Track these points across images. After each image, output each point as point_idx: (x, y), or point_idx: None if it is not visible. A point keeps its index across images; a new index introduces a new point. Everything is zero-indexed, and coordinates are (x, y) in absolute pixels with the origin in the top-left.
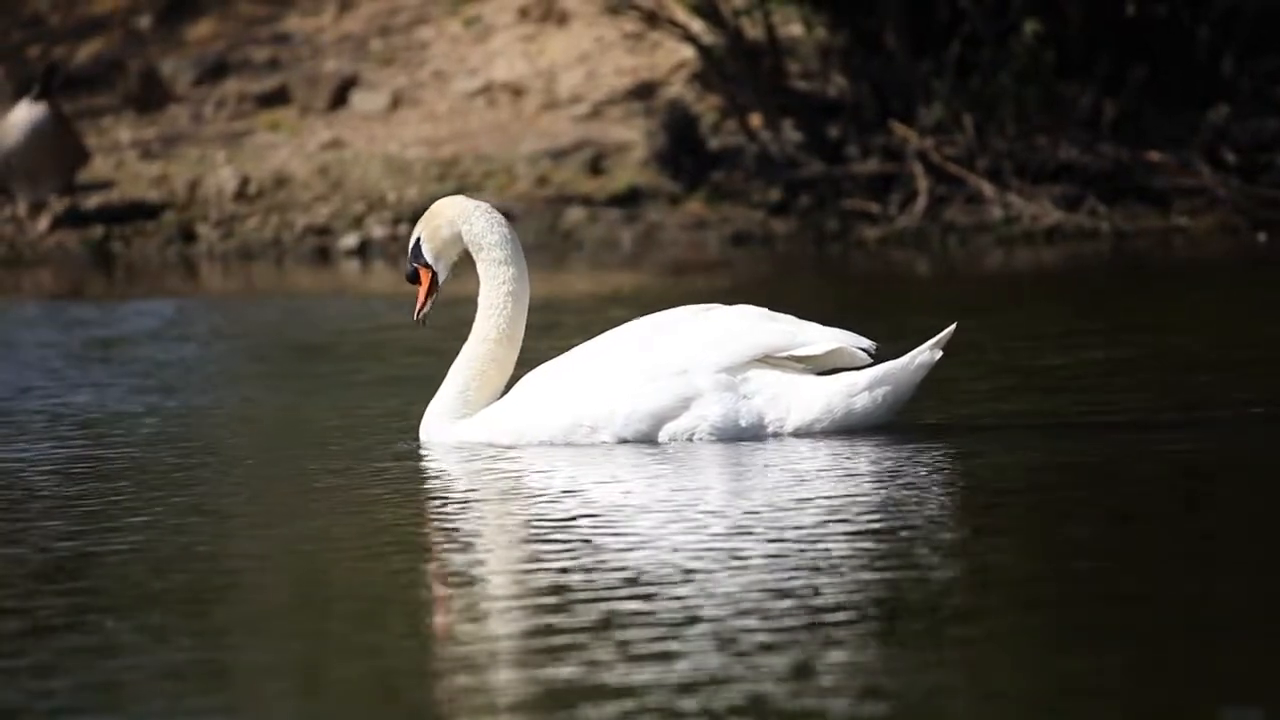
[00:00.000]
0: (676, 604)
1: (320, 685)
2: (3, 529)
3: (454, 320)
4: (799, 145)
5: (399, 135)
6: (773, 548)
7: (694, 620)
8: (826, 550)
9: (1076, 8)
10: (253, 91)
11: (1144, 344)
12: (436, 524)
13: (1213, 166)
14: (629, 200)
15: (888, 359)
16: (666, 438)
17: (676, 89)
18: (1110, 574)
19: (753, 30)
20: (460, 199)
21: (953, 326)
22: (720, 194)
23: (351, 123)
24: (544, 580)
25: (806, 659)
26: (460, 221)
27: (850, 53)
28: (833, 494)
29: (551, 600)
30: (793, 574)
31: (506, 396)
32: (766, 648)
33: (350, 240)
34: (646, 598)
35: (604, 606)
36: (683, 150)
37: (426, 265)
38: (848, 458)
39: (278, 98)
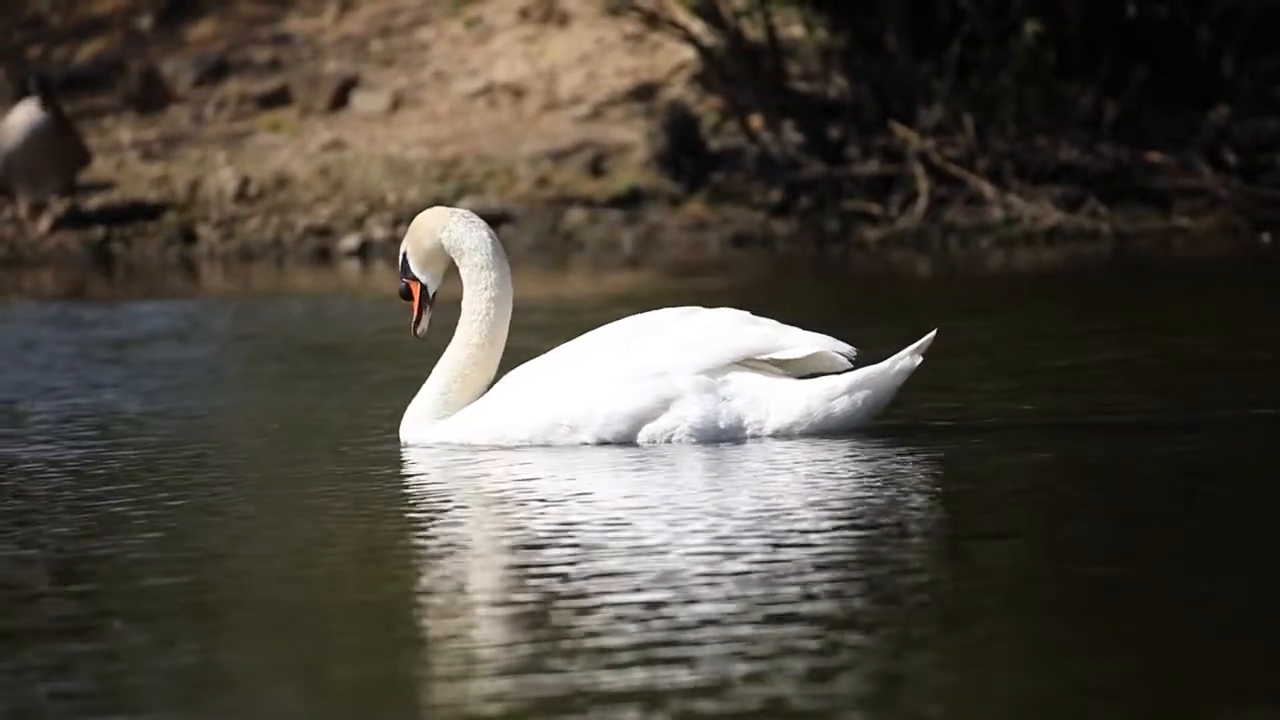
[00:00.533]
0: (673, 605)
1: (321, 688)
2: (4, 529)
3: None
4: (800, 146)
5: (400, 136)
6: (767, 550)
7: (688, 622)
8: (825, 549)
9: (1077, 8)
10: (253, 92)
11: (1147, 345)
12: (418, 527)
13: (1213, 167)
14: (630, 201)
15: (868, 364)
16: (646, 439)
17: (677, 90)
18: (1111, 574)
19: (753, 31)
20: (440, 209)
21: (933, 333)
22: (721, 195)
23: (352, 124)
24: (533, 583)
25: (806, 662)
26: (439, 230)
27: (851, 54)
28: (831, 494)
29: (542, 602)
30: (787, 576)
31: (485, 396)
32: (764, 646)
33: (351, 241)
34: (641, 602)
35: (597, 607)
36: (683, 151)
37: (415, 279)
38: (847, 459)
39: (278, 98)
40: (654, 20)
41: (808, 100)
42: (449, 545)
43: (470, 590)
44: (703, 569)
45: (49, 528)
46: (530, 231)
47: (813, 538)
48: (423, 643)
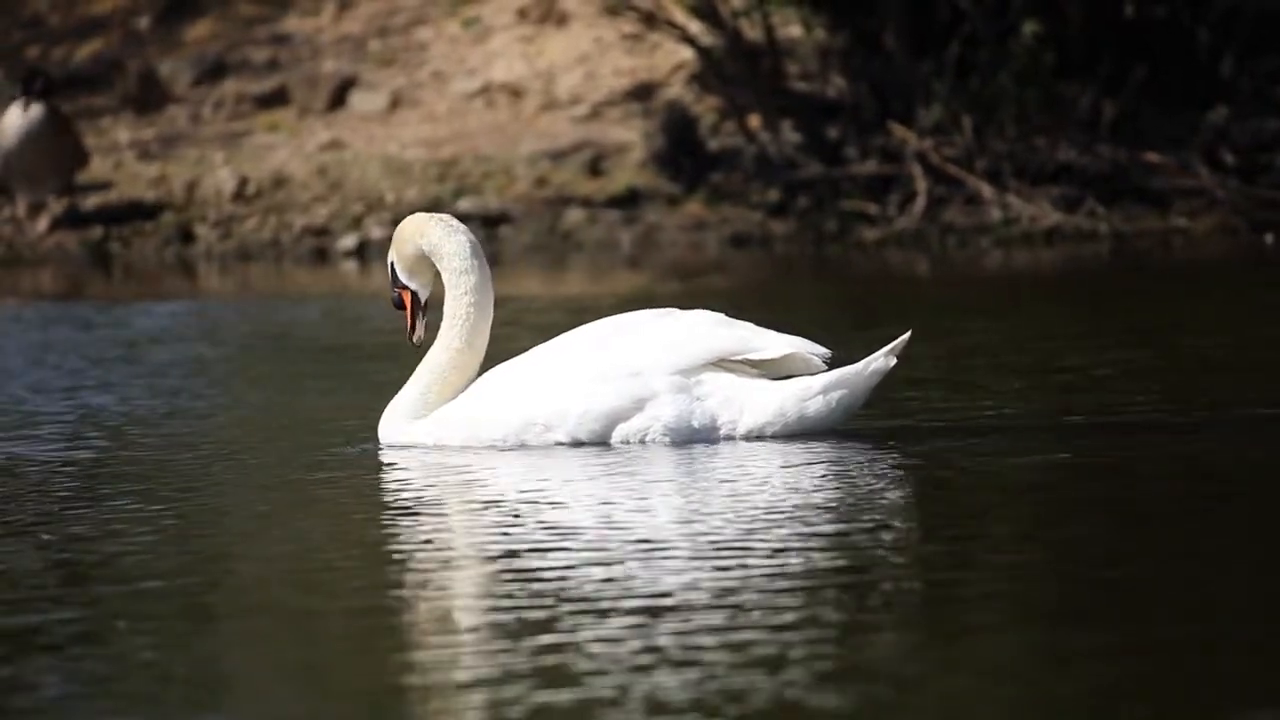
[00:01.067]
0: (665, 608)
1: (319, 689)
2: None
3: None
4: (798, 146)
5: (398, 136)
6: (764, 554)
7: (679, 628)
8: (822, 549)
9: (1076, 9)
10: (251, 92)
11: (1149, 346)
12: (398, 529)
13: (1212, 167)
14: (628, 201)
15: (843, 364)
16: (620, 439)
17: (675, 90)
18: (1112, 575)
19: (752, 31)
20: (420, 215)
21: (907, 334)
22: (719, 195)
23: (350, 123)
24: (517, 586)
25: (802, 664)
26: (419, 236)
27: (849, 54)
28: (830, 494)
29: (521, 604)
30: (777, 581)
31: (460, 396)
32: (762, 650)
33: (349, 241)
34: (631, 607)
35: (589, 611)
36: (682, 151)
37: (405, 287)
38: (837, 459)
39: (276, 98)
40: (652, 20)
41: (806, 100)
42: (420, 548)
43: (444, 594)
44: (697, 571)
45: (57, 527)
46: (528, 231)
47: (802, 537)
48: (410, 647)
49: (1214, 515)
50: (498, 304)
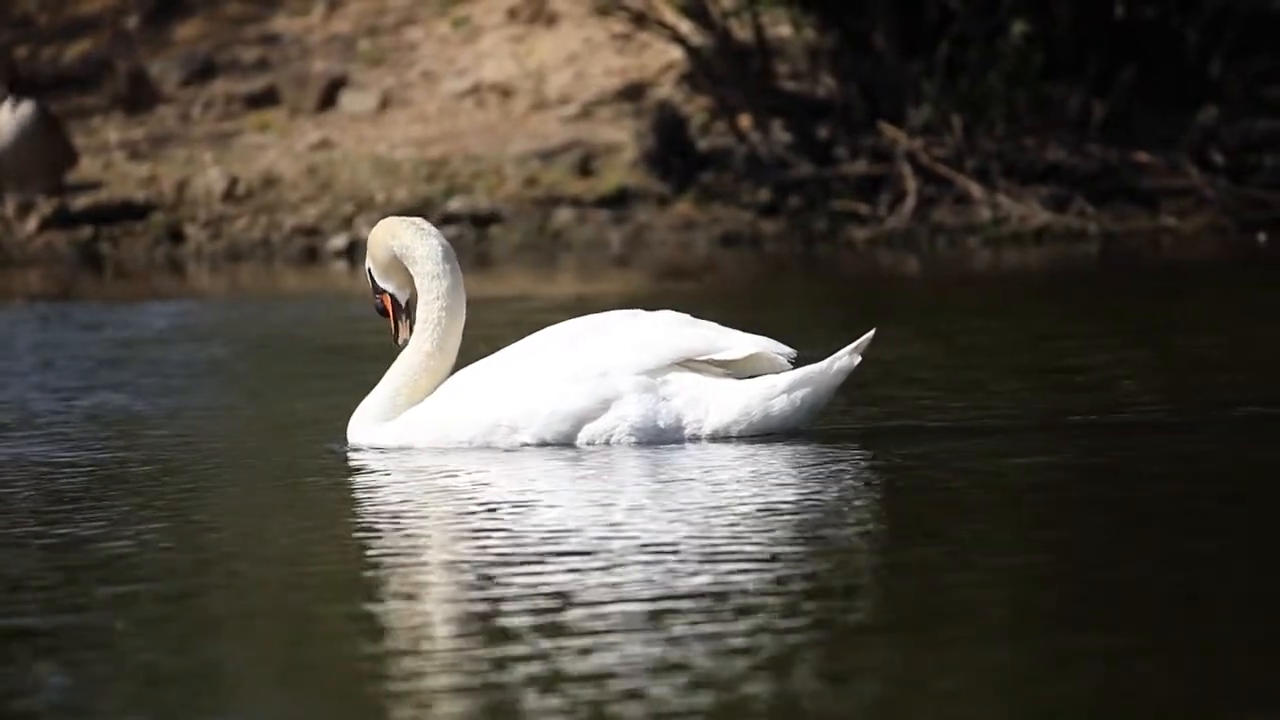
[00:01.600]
0: (653, 613)
1: (302, 688)
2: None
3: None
4: (788, 146)
5: (388, 136)
6: (756, 557)
7: (682, 628)
8: (816, 549)
9: (1065, 9)
10: (241, 92)
11: (1142, 345)
12: (389, 530)
13: (1201, 167)
14: (618, 201)
15: (809, 363)
16: (586, 439)
17: (665, 90)
18: (1111, 574)
19: (741, 31)
20: (392, 219)
21: (871, 332)
22: (709, 195)
23: (340, 123)
24: (486, 586)
25: (793, 665)
26: (391, 239)
27: (839, 54)
28: (828, 494)
29: (498, 606)
30: (768, 577)
31: (428, 399)
32: (758, 655)
33: (339, 241)
34: (624, 610)
35: (574, 613)
36: (672, 151)
37: (385, 291)
38: (830, 459)
39: (266, 98)
40: (642, 20)
41: (796, 100)
42: (414, 549)
43: (439, 595)
44: (708, 573)
45: (64, 527)
46: (518, 231)
47: (786, 543)
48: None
49: (1213, 515)
50: (491, 304)
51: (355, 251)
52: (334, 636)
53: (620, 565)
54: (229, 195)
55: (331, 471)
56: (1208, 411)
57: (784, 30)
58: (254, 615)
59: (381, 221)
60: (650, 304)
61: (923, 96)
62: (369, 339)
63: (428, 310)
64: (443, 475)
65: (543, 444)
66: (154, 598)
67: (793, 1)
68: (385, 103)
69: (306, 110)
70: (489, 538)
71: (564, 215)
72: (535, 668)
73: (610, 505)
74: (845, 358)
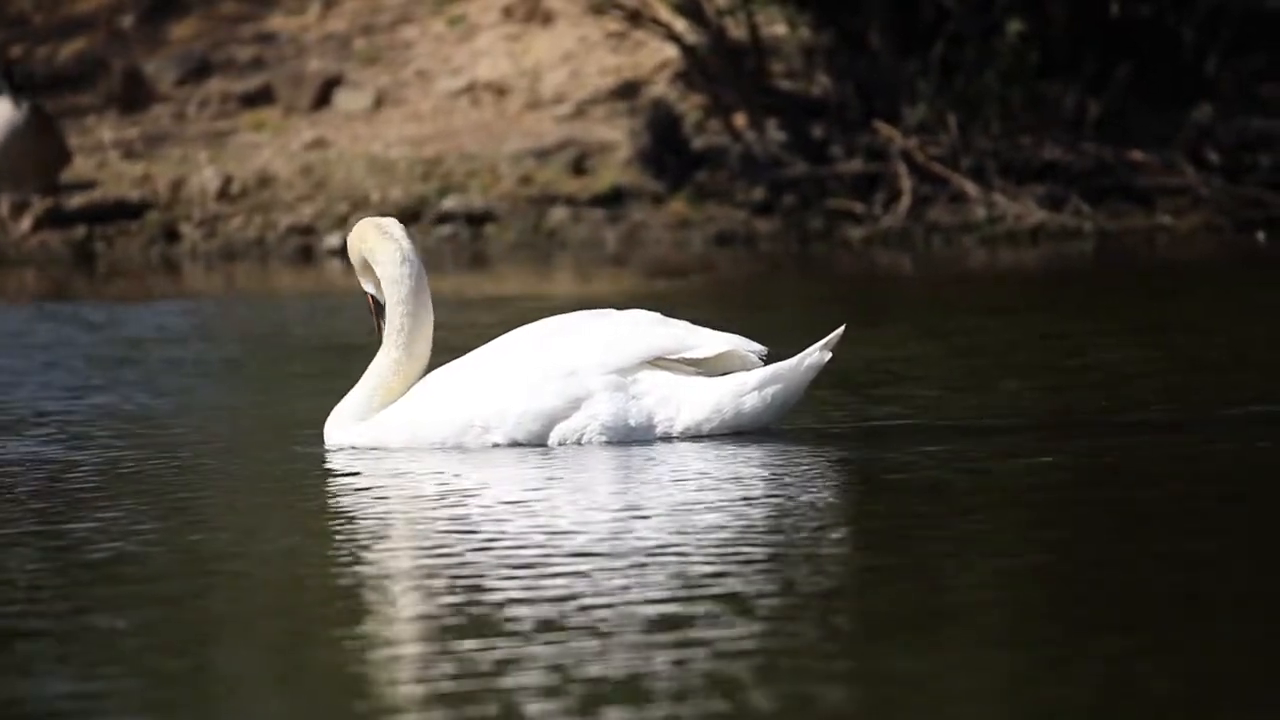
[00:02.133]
0: (637, 616)
1: (300, 687)
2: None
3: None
4: (783, 145)
5: (383, 135)
6: (750, 557)
7: (645, 624)
8: (815, 549)
9: (1061, 7)
10: (236, 91)
11: (1140, 344)
12: (383, 530)
13: (1196, 166)
14: (613, 200)
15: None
16: (557, 439)
17: (660, 89)
18: (1113, 574)
19: (736, 30)
20: (365, 221)
21: (841, 328)
22: (704, 194)
23: (335, 122)
24: (462, 586)
25: (781, 666)
26: (360, 242)
27: (834, 52)
28: (825, 493)
29: (474, 607)
30: (766, 578)
31: (401, 400)
32: (743, 646)
33: (334, 240)
34: (591, 608)
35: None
36: (666, 150)
37: (368, 292)
38: (829, 459)
39: (261, 97)
40: (637, 18)
41: (791, 99)
42: (407, 551)
43: (433, 596)
44: (694, 577)
45: (62, 527)
46: (513, 230)
47: (786, 536)
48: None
49: (1214, 515)
50: (487, 304)
51: (348, 250)
52: (333, 635)
53: (620, 567)
54: (224, 194)
55: (332, 471)
56: (1208, 411)
57: (779, 29)
58: (252, 615)
59: (360, 223)
60: (647, 303)
61: (918, 95)
62: (369, 338)
63: (391, 314)
64: (437, 475)
65: (514, 444)
66: (155, 598)
67: (787, 0)
68: (380, 101)
69: (301, 109)
70: (487, 538)
71: (559, 214)
72: (531, 668)
73: (610, 506)
74: (815, 354)
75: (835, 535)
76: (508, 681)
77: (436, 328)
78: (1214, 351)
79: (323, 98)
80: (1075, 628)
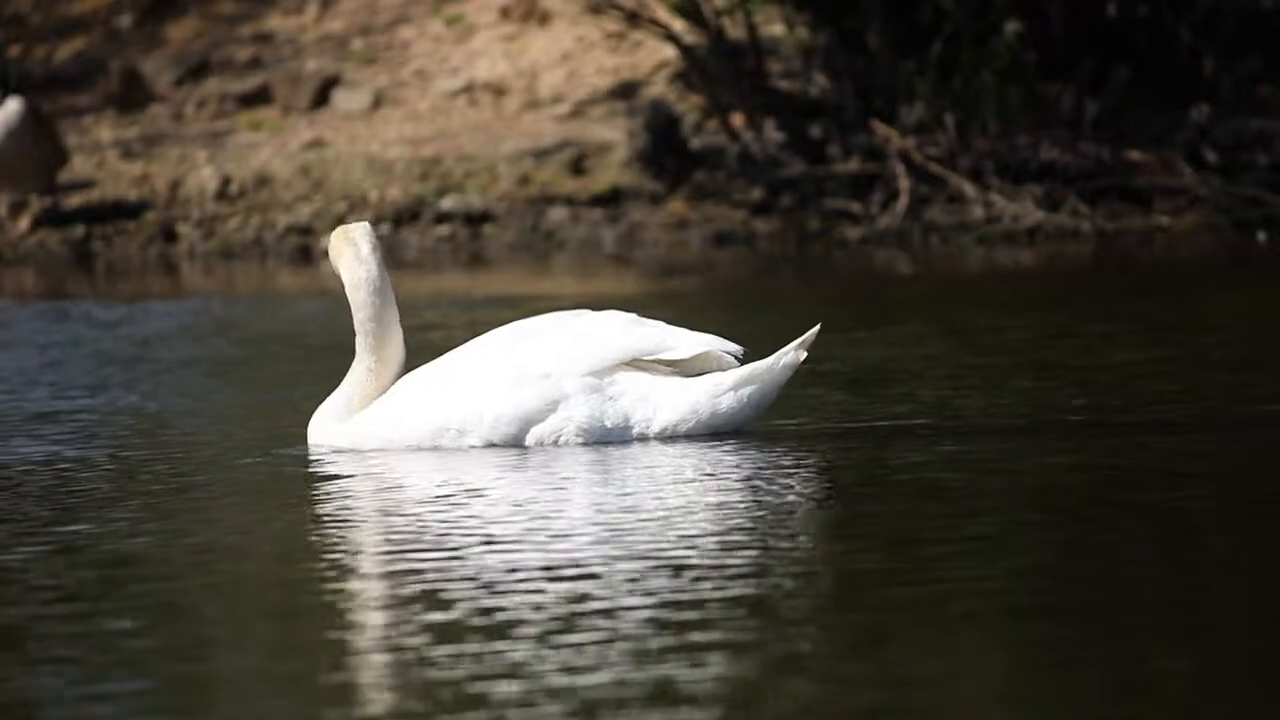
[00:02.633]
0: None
1: (293, 692)
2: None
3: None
4: (781, 145)
5: (381, 135)
6: (745, 557)
7: (624, 626)
8: (812, 550)
9: (1058, 8)
10: (234, 91)
11: (1146, 344)
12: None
13: (1194, 166)
14: (611, 200)
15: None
16: (533, 441)
17: (658, 89)
18: (1114, 574)
19: (734, 30)
20: (341, 227)
21: (816, 328)
22: (702, 194)
23: (333, 122)
24: (439, 590)
25: (781, 667)
26: (330, 249)
27: (832, 52)
28: (824, 494)
29: (453, 610)
30: (774, 577)
31: (377, 401)
32: (729, 648)
33: None
34: (592, 610)
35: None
36: (665, 150)
37: None
38: (827, 459)
39: (259, 97)
40: (635, 19)
41: (789, 99)
42: (403, 551)
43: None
44: (692, 576)
45: (75, 527)
46: (511, 230)
47: (784, 538)
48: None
49: (1224, 515)
50: (486, 303)
51: None
52: (328, 637)
53: (620, 568)
54: (222, 194)
55: (328, 473)
56: (1218, 410)
57: (777, 29)
58: (251, 616)
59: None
60: (645, 302)
61: (915, 95)
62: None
63: (357, 323)
64: (434, 476)
65: (490, 446)
66: (158, 597)
67: (785, 1)
68: (378, 102)
69: (299, 109)
70: (487, 540)
71: (557, 214)
72: (530, 668)
73: (617, 507)
74: (790, 354)
75: (837, 536)
76: (504, 681)
77: (436, 327)
78: (1220, 351)
79: (321, 98)
80: (1078, 628)
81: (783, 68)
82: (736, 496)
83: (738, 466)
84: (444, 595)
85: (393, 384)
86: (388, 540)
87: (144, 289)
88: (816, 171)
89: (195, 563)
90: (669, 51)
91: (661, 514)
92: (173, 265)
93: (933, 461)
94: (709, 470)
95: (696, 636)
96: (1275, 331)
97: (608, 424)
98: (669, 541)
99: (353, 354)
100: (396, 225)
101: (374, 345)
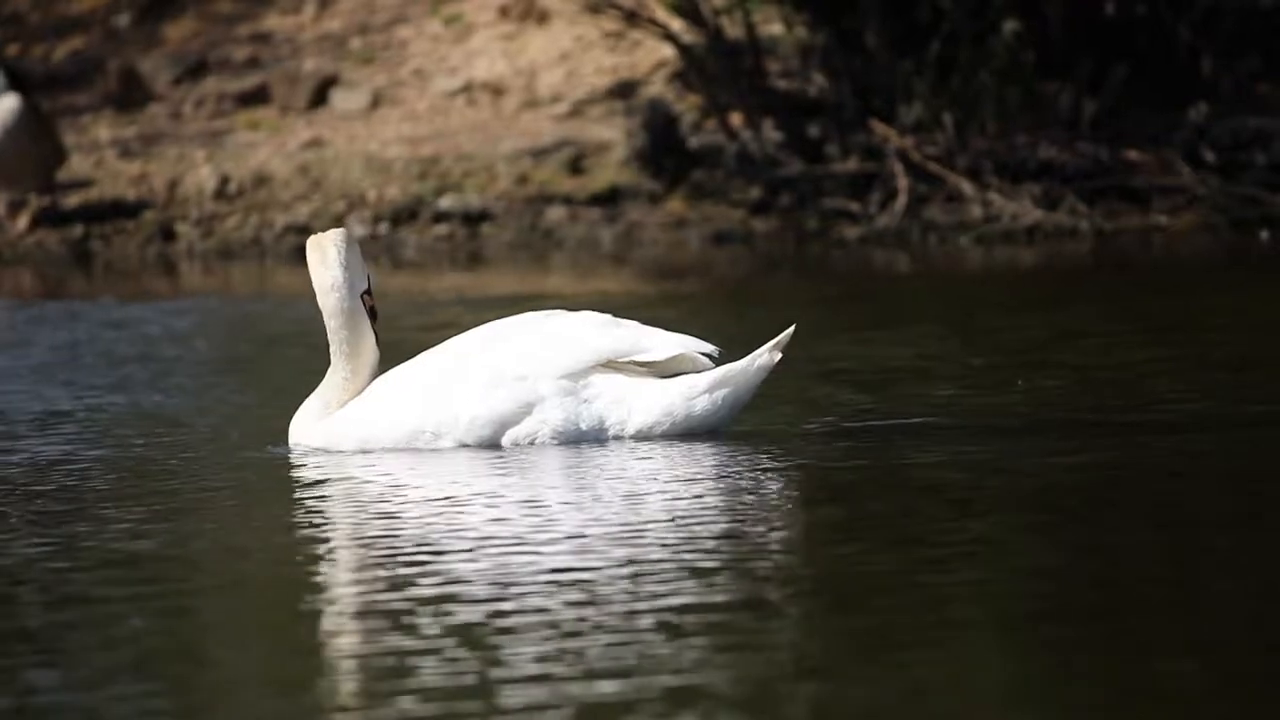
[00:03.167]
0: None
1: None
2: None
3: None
4: (779, 144)
5: (379, 134)
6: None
7: (674, 636)
8: (800, 551)
9: (1056, 7)
10: (232, 90)
11: (1151, 343)
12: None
13: (1192, 165)
14: (609, 199)
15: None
16: (509, 443)
17: (657, 88)
18: (1117, 574)
19: (733, 29)
20: (313, 236)
21: (791, 328)
22: (701, 193)
23: (331, 122)
24: (419, 593)
25: (784, 668)
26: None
27: (830, 52)
28: (824, 494)
29: (433, 614)
30: (783, 577)
31: (353, 402)
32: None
33: None
34: (595, 612)
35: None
36: (663, 149)
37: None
38: (829, 458)
39: (257, 97)
40: (633, 18)
41: (787, 98)
42: (398, 550)
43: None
44: (695, 577)
45: (78, 527)
46: (510, 229)
47: (782, 541)
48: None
49: (1231, 514)
50: (485, 302)
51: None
52: (328, 637)
53: (621, 571)
54: (220, 193)
55: (337, 474)
56: (1223, 409)
57: (775, 28)
58: (252, 616)
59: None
60: (644, 302)
61: (914, 94)
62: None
63: (329, 331)
64: (437, 476)
65: (464, 448)
66: (159, 597)
67: (783, 0)
68: (376, 101)
69: (298, 108)
70: (490, 542)
71: (555, 213)
72: (527, 669)
73: (613, 507)
74: (765, 355)
75: (837, 536)
76: (507, 684)
77: (436, 327)
78: (1220, 351)
79: (319, 97)
80: (1080, 629)
81: (781, 67)
82: (735, 497)
83: (738, 467)
84: (450, 598)
85: (368, 385)
86: (389, 541)
87: (142, 288)
88: (815, 171)
89: (195, 563)
90: (667, 51)
91: (660, 515)
92: (171, 265)
93: (933, 461)
94: (707, 471)
95: (697, 638)
96: (1275, 331)
97: (582, 426)
98: (667, 543)
99: None
100: (395, 224)
101: (347, 352)
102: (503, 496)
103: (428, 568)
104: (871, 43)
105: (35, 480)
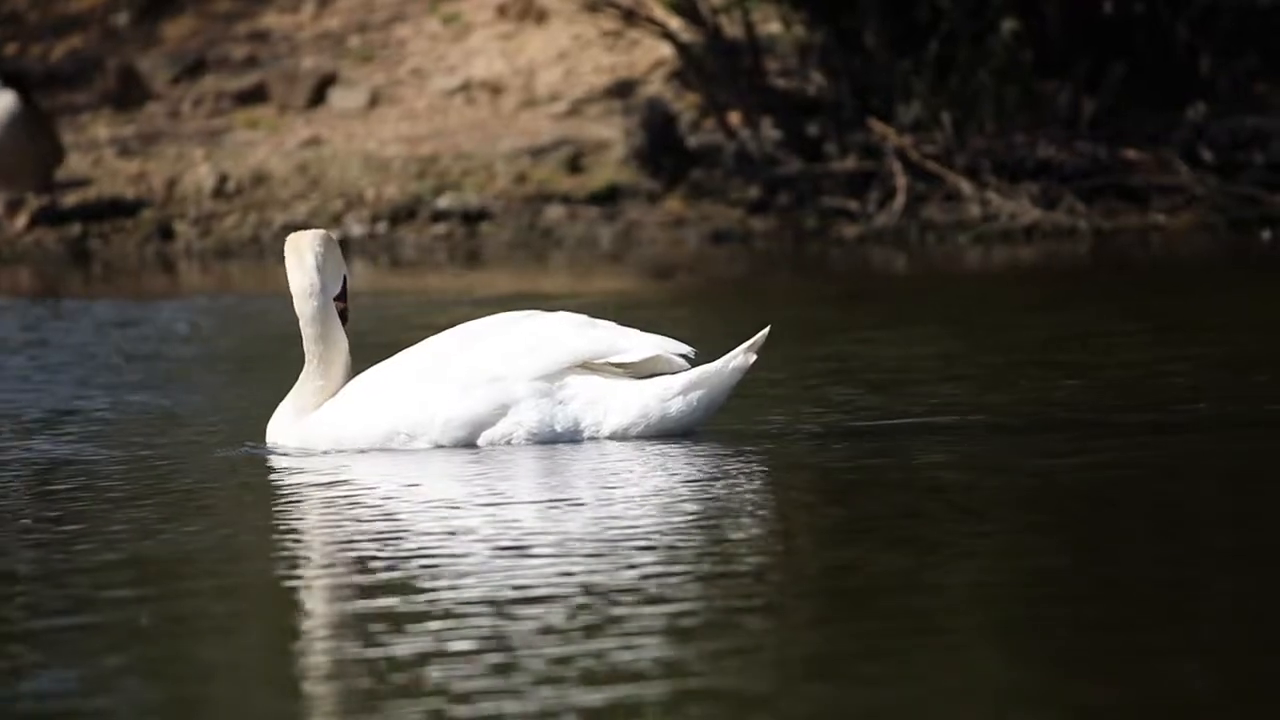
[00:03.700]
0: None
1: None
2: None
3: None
4: (778, 143)
5: (377, 133)
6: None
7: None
8: (800, 551)
9: (1055, 6)
10: (231, 89)
11: (1153, 343)
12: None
13: (1191, 164)
14: (608, 198)
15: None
16: (484, 444)
17: (655, 87)
18: (1120, 574)
19: (731, 28)
20: (291, 235)
21: (766, 329)
22: (699, 192)
23: (330, 120)
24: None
25: (786, 667)
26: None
27: (829, 51)
28: (824, 494)
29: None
30: (788, 577)
31: (329, 403)
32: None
33: None
34: (613, 614)
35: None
36: (661, 148)
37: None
38: (830, 458)
39: (256, 95)
40: (632, 17)
41: (786, 97)
42: (396, 550)
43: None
44: (700, 577)
45: (67, 527)
46: (508, 228)
47: (783, 541)
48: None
49: (1234, 514)
50: (484, 303)
51: (345, 248)
52: (328, 638)
53: (620, 571)
54: (219, 192)
55: (338, 475)
56: (1227, 409)
57: (774, 27)
58: (253, 616)
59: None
60: (643, 302)
61: (913, 93)
62: (369, 338)
63: (303, 334)
64: (441, 477)
65: (439, 449)
66: (160, 599)
67: None
68: (375, 100)
69: (296, 107)
70: (493, 544)
71: (554, 212)
72: (525, 669)
73: (609, 507)
74: (740, 357)
75: (837, 536)
76: (507, 686)
77: (435, 327)
78: (1220, 351)
79: (317, 96)
80: (1082, 629)
81: (780, 66)
82: (735, 497)
83: (735, 467)
84: (450, 599)
85: (342, 386)
86: (389, 542)
87: (141, 287)
88: (813, 169)
89: (197, 563)
90: (666, 50)
91: (659, 516)
92: (170, 263)
93: (933, 461)
94: (705, 471)
95: (696, 639)
96: (1275, 331)
97: (557, 428)
98: (665, 543)
99: (359, 351)
100: (393, 223)
101: (320, 353)
102: (505, 497)
103: (427, 568)
104: (870, 42)
105: (36, 481)
